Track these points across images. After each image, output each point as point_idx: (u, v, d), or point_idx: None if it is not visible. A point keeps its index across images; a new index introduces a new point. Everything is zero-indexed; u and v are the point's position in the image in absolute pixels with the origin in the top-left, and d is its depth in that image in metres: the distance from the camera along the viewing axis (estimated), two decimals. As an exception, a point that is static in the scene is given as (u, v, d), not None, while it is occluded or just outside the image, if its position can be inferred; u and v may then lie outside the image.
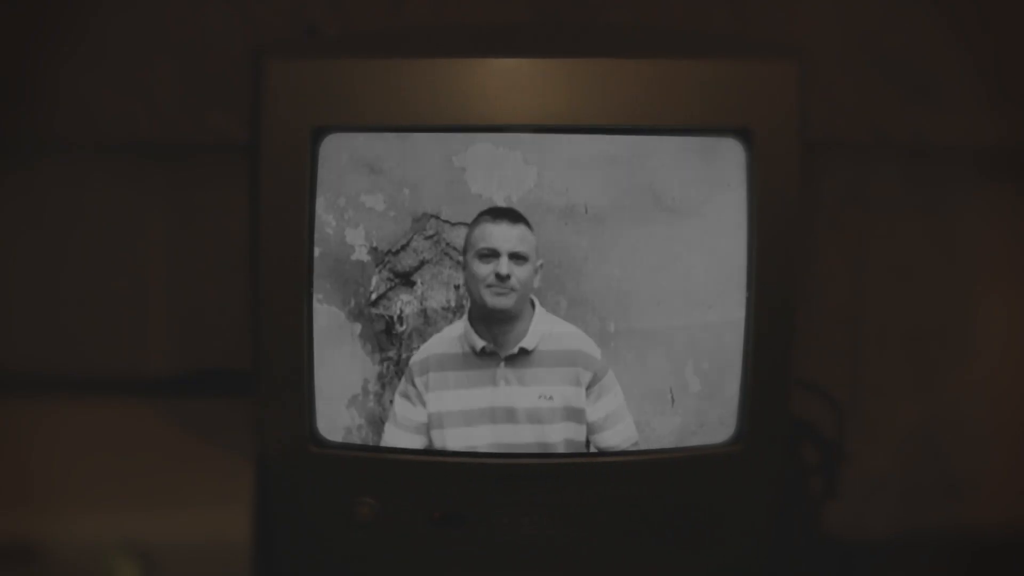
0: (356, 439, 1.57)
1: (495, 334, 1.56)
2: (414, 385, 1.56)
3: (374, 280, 1.54)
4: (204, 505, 1.60)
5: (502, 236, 1.54)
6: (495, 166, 1.53)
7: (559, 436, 1.57)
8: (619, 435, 1.58)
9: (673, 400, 1.58)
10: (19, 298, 1.85)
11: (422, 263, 1.55)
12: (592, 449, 1.58)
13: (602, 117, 1.52)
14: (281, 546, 1.61)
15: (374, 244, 1.54)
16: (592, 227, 1.54)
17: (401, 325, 1.55)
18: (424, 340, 1.56)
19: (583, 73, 1.52)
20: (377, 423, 1.57)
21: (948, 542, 1.92)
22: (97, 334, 1.86)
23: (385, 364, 1.56)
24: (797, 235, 1.56)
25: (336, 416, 1.57)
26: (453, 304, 1.56)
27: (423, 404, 1.56)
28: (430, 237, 1.54)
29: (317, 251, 1.53)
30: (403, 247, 1.54)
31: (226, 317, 1.86)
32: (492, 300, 1.54)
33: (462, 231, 1.54)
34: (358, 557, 1.61)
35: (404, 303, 1.55)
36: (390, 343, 1.56)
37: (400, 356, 1.56)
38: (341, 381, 1.56)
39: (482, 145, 1.52)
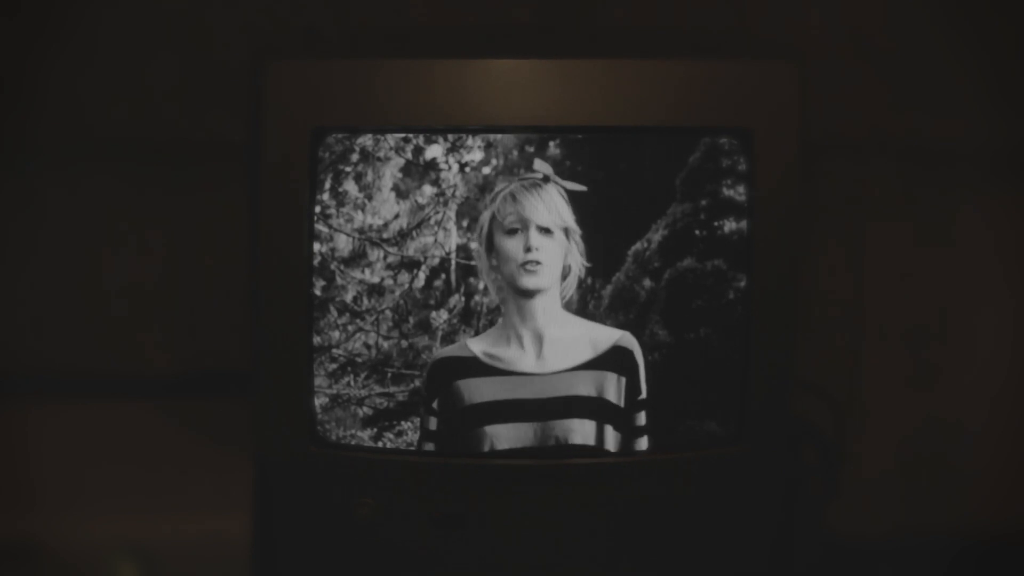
0: (356, 439, 1.57)
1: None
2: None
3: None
4: (204, 505, 1.60)
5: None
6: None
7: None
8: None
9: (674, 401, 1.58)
10: (19, 299, 1.85)
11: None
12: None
13: (602, 118, 1.52)
14: (281, 546, 1.61)
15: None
16: (592, 228, 1.54)
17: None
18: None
19: (583, 73, 1.52)
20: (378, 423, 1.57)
21: (948, 542, 1.92)
22: (97, 334, 1.86)
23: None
24: (797, 235, 1.55)
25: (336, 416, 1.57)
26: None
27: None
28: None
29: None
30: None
31: (226, 317, 1.86)
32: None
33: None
34: (358, 557, 1.61)
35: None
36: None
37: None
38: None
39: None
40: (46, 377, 1.84)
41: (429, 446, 1.57)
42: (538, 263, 1.54)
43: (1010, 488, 1.93)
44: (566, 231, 1.54)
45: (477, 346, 1.56)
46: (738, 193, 1.55)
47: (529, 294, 1.55)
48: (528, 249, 1.54)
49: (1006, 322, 1.93)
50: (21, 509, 1.58)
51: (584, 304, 1.56)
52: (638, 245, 1.55)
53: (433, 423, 1.56)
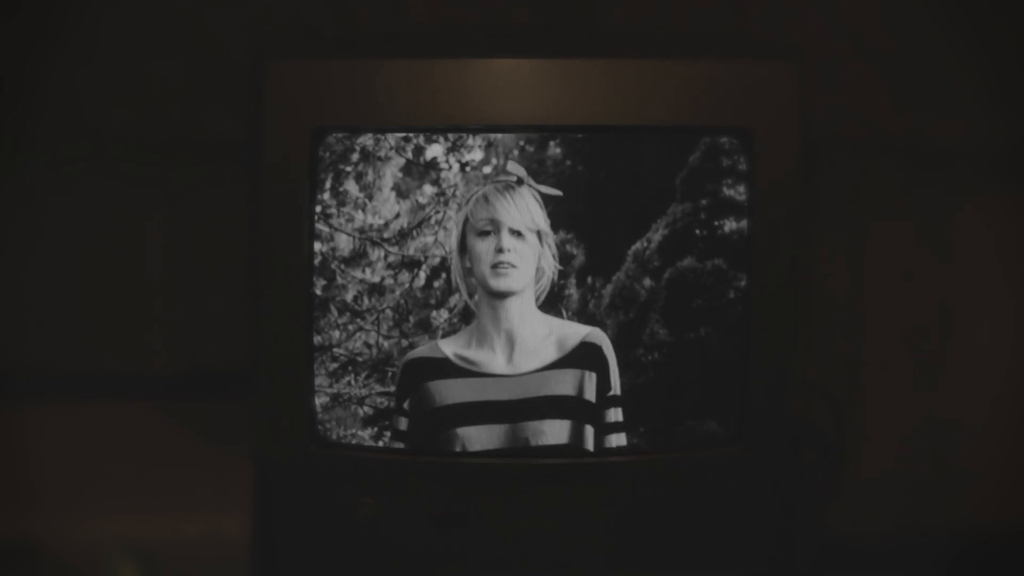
0: (356, 439, 1.57)
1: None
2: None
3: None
4: (204, 505, 1.60)
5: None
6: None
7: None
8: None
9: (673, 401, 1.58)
10: (19, 299, 1.85)
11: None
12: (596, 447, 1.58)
13: (602, 117, 1.52)
14: (281, 546, 1.61)
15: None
16: (592, 227, 1.54)
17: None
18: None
19: (583, 73, 1.52)
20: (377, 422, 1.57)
21: (948, 542, 1.92)
22: (97, 335, 1.86)
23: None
24: (797, 235, 1.55)
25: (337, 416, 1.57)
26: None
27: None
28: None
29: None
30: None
31: (226, 317, 1.86)
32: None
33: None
34: (358, 557, 1.61)
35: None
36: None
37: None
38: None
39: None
40: (46, 377, 1.84)
41: (398, 445, 1.56)
42: (510, 265, 1.54)
43: (1010, 488, 1.93)
44: (539, 234, 1.54)
45: (448, 347, 1.56)
46: (738, 193, 1.55)
47: (501, 295, 1.55)
48: (500, 250, 1.54)
49: (1006, 322, 1.93)
50: (21, 509, 1.58)
51: (584, 304, 1.56)
52: (638, 245, 1.55)
53: (403, 423, 1.56)
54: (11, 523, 1.56)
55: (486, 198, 1.53)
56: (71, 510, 1.58)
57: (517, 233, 1.54)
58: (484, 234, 1.54)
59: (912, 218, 1.90)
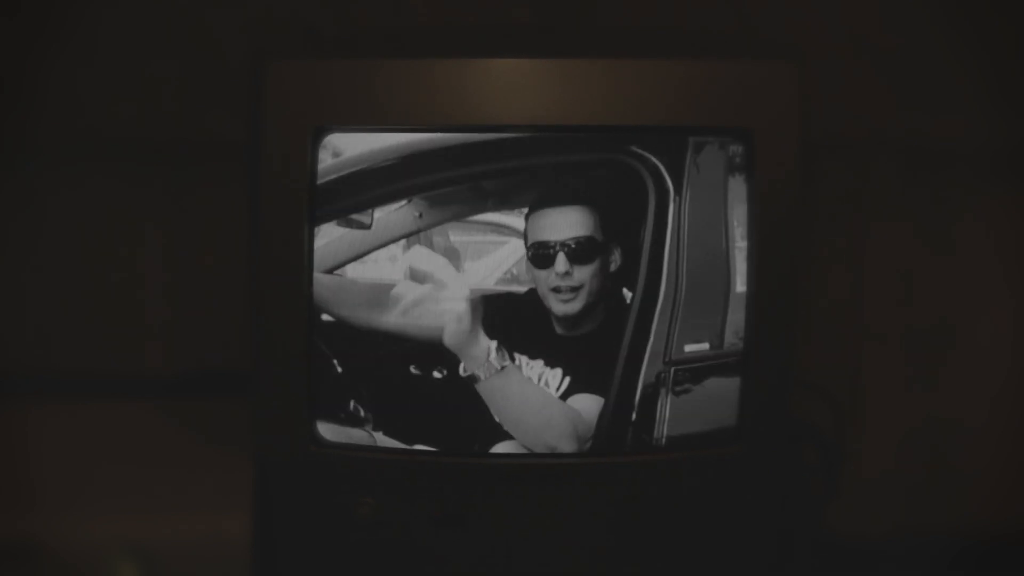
0: (356, 439, 1.57)
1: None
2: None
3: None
4: (204, 505, 1.60)
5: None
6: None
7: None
8: None
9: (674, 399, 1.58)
10: (18, 299, 1.85)
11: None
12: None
13: (602, 117, 1.52)
14: (281, 546, 1.61)
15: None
16: (592, 228, 1.54)
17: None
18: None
19: (583, 73, 1.52)
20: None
21: (948, 542, 1.92)
22: (96, 334, 1.87)
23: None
24: (797, 235, 1.56)
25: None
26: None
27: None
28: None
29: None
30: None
31: (226, 317, 1.86)
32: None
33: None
34: (358, 557, 1.61)
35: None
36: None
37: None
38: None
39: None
40: (46, 377, 1.84)
41: (398, 445, 1.56)
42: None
43: (1010, 488, 1.93)
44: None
45: None
46: (739, 193, 1.55)
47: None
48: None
49: (1006, 322, 1.93)
50: (21, 509, 1.58)
51: (584, 304, 1.55)
52: (637, 245, 1.55)
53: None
54: (11, 523, 1.55)
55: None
56: (71, 510, 1.58)
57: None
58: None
59: (912, 218, 1.90)
